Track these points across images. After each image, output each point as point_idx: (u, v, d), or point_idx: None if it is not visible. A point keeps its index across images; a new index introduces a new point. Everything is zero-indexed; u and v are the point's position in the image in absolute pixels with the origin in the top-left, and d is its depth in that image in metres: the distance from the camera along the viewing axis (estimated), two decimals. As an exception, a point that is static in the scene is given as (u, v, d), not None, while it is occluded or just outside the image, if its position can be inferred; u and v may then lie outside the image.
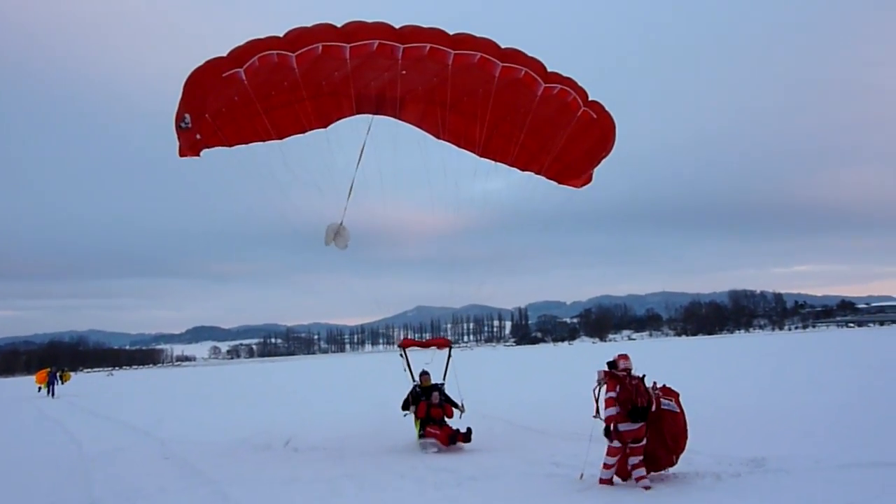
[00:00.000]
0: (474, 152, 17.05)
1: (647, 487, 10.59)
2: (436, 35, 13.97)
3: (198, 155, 14.95)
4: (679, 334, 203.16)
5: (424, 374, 16.47)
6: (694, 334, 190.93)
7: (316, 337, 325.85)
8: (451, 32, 14.11)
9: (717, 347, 78.18)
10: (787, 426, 15.81)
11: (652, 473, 10.99)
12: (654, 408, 10.93)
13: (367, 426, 19.92)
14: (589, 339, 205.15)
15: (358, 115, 16.65)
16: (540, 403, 21.32)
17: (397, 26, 13.92)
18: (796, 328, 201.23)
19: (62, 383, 50.17)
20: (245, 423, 23.44)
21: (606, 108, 15.81)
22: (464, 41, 14.07)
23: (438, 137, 17.02)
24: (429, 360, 16.55)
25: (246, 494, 11.80)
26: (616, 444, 10.83)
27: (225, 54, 13.73)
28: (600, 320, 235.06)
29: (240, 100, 14.37)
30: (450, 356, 16.66)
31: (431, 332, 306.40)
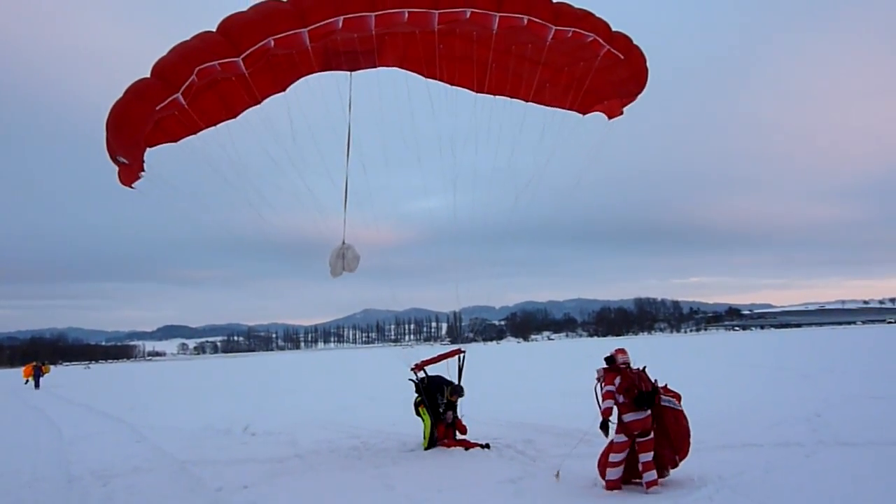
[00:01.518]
0: (471, 88, 13.61)
1: (652, 484, 9.02)
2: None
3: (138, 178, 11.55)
4: (591, 335, 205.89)
5: (455, 392, 13.71)
6: (604, 335, 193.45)
7: (274, 335, 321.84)
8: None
9: (626, 347, 79.45)
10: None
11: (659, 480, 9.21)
12: (657, 399, 9.48)
13: (317, 415, 19.97)
14: (514, 339, 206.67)
15: (324, 74, 12.69)
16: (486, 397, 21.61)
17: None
18: (691, 331, 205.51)
19: (43, 375, 49.04)
20: (208, 412, 23.24)
21: (634, 42, 12.62)
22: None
23: (427, 75, 13.33)
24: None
25: (208, 472, 11.79)
26: (622, 437, 9.23)
27: (150, 74, 10.29)
28: (524, 323, 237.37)
29: (180, 114, 10.81)
30: (462, 362, 14.44)
31: (377, 332, 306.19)
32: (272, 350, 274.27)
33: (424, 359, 14.19)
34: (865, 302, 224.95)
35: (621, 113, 14.22)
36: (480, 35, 11.72)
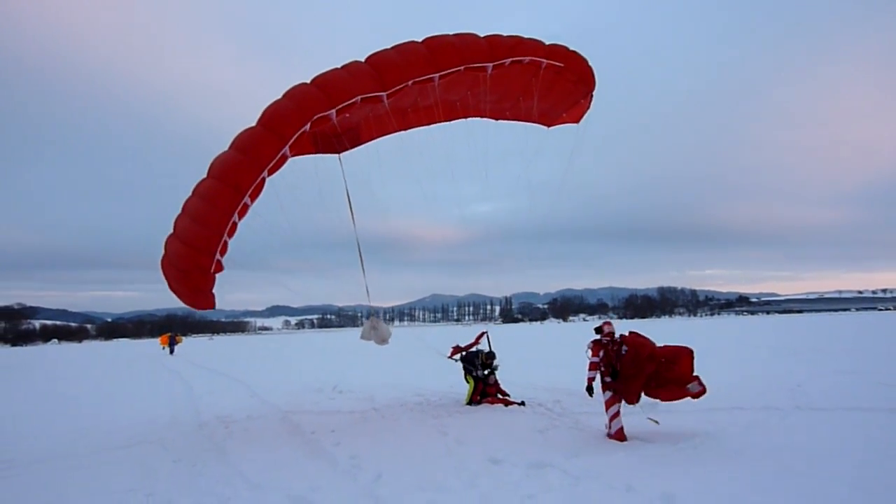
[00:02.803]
0: (435, 122, 12.83)
1: (614, 436, 9.40)
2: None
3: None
4: (621, 318, 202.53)
5: (489, 356, 14.05)
6: (631, 318, 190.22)
7: (359, 314, 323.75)
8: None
9: (648, 327, 78.27)
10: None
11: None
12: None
13: (390, 378, 20.56)
14: (555, 320, 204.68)
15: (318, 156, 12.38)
16: (527, 365, 21.86)
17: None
18: (706, 315, 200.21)
19: (177, 344, 50.73)
20: (305, 374, 24.07)
21: (571, 49, 11.97)
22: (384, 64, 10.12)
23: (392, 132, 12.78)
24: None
25: (305, 420, 12.44)
26: (609, 393, 9.67)
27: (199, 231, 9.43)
28: (564, 306, 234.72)
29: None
30: (488, 337, 14.94)
31: (442, 313, 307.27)
32: (357, 326, 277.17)
33: (457, 345, 14.68)
34: (860, 292, 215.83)
35: (588, 105, 13.21)
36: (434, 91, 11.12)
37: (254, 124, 9.87)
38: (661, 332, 59.83)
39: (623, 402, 9.68)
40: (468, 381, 14.00)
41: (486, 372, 13.98)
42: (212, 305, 10.27)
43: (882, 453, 7.95)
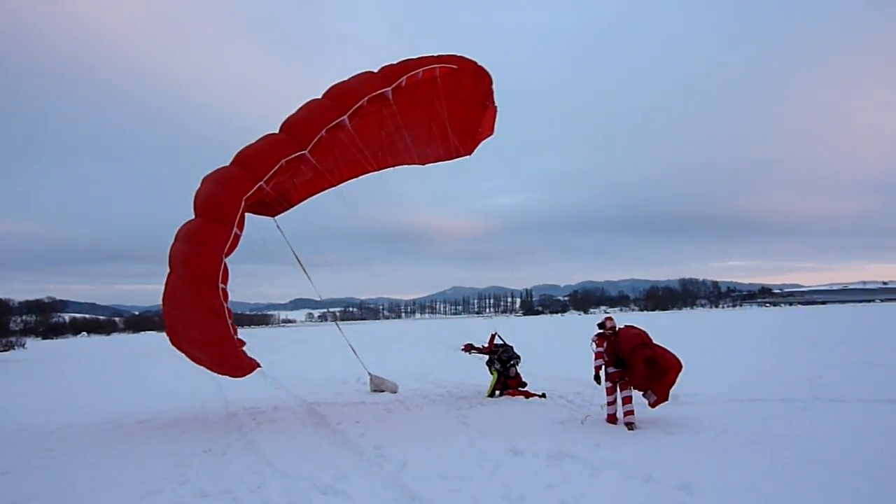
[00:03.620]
0: (367, 172, 13.52)
1: (630, 426, 9.78)
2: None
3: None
4: (642, 310, 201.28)
5: (506, 352, 14.21)
6: (652, 310, 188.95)
7: (381, 307, 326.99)
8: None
9: (669, 319, 77.86)
10: (698, 374, 16.35)
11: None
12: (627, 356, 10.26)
13: (413, 369, 20.78)
14: (576, 312, 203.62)
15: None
16: (548, 358, 21.95)
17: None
18: (728, 307, 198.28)
19: None
20: (329, 366, 24.43)
21: (459, 55, 12.27)
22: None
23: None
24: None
25: (330, 411, 12.64)
26: (608, 384, 10.40)
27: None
28: (584, 298, 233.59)
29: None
30: (499, 336, 14.87)
31: (463, 305, 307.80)
32: (379, 319, 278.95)
33: (468, 343, 14.91)
34: (885, 283, 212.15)
35: (495, 109, 13.18)
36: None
37: (192, 216, 10.66)
38: (682, 323, 59.58)
39: (625, 391, 10.26)
40: (492, 374, 14.17)
41: (508, 365, 14.11)
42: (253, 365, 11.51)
43: (902, 445, 7.95)
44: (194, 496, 7.04)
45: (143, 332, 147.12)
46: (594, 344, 10.70)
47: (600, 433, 9.48)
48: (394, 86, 11.16)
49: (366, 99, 10.91)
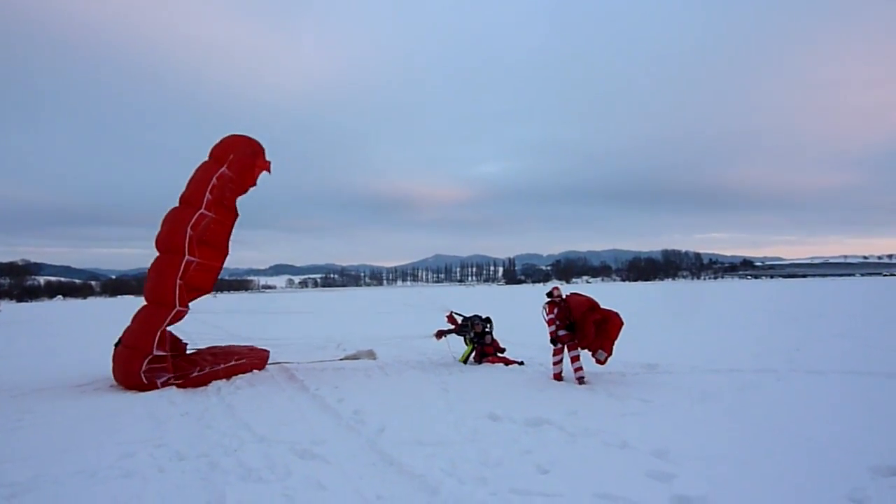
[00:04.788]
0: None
1: (581, 381, 11.07)
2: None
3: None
4: (624, 280, 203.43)
5: (477, 323, 14.48)
6: (635, 281, 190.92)
7: (362, 274, 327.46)
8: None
9: (650, 289, 78.74)
10: (677, 344, 16.61)
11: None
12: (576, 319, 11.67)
13: (394, 335, 20.85)
14: (558, 282, 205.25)
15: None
16: (528, 326, 22.11)
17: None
18: (709, 278, 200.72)
19: None
20: (309, 332, 24.43)
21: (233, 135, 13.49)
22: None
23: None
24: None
25: (306, 375, 12.71)
26: (559, 345, 11.65)
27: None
28: (567, 268, 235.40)
29: None
30: (456, 315, 15.28)
31: (446, 273, 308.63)
32: (360, 286, 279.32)
33: (439, 329, 15.06)
34: (865, 257, 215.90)
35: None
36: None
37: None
38: (663, 294, 60.37)
39: (573, 352, 11.55)
40: (466, 343, 14.39)
41: (484, 333, 14.36)
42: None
43: (881, 416, 8.14)
44: (170, 459, 7.06)
45: (120, 297, 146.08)
46: (545, 311, 11.85)
47: (578, 401, 9.61)
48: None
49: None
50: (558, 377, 11.51)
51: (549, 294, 12.05)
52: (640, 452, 6.72)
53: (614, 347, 11.51)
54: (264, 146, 13.57)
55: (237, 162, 13.10)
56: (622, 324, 11.49)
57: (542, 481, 6.02)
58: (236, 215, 14.05)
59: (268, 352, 14.66)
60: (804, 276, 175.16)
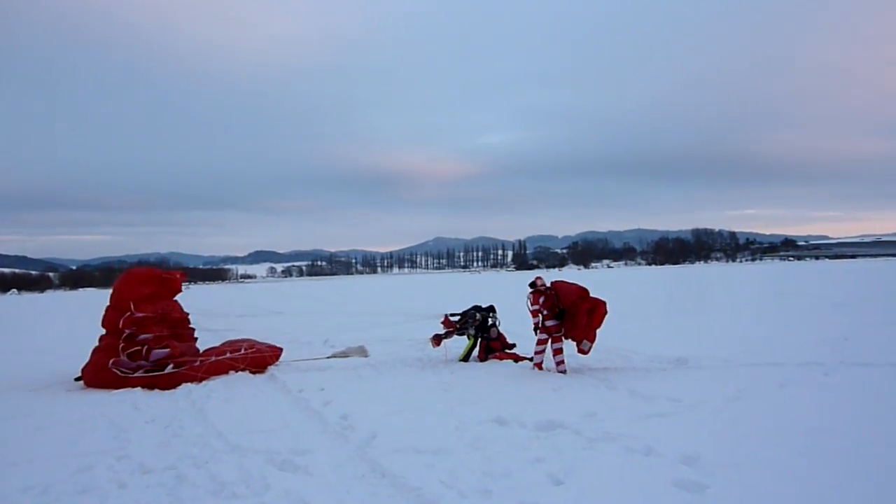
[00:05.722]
0: None
1: (563, 371, 11.99)
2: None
3: None
4: (650, 264, 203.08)
5: (476, 315, 14.40)
6: (662, 264, 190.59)
7: (354, 261, 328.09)
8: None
9: (681, 275, 78.70)
10: (709, 335, 16.55)
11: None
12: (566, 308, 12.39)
13: (388, 330, 20.85)
14: (575, 267, 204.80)
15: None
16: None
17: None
18: (746, 260, 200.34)
19: None
20: (294, 326, 24.43)
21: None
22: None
23: None
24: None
25: (291, 377, 12.68)
26: (543, 336, 12.39)
27: None
28: (585, 251, 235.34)
29: None
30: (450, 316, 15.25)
31: (447, 258, 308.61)
32: (352, 274, 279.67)
33: (436, 334, 14.70)
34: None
35: None
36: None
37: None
38: (694, 278, 60.22)
39: (557, 343, 12.34)
40: (468, 338, 14.32)
41: (488, 326, 14.37)
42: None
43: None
44: (132, 473, 7.02)
45: (81, 290, 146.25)
46: (529, 302, 12.60)
47: (598, 401, 9.56)
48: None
49: None
50: (539, 367, 12.38)
51: (532, 284, 12.72)
52: (668, 459, 6.67)
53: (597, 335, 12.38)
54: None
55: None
56: (606, 312, 12.33)
57: (555, 494, 5.98)
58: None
59: (282, 348, 14.97)
60: (853, 256, 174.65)
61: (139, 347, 12.72)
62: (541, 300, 12.43)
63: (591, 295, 12.43)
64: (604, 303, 12.28)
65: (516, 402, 9.64)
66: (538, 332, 12.48)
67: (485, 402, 9.72)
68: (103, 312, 13.41)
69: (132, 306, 12.99)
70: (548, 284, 12.70)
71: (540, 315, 12.40)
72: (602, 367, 12.40)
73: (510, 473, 6.52)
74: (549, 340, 12.40)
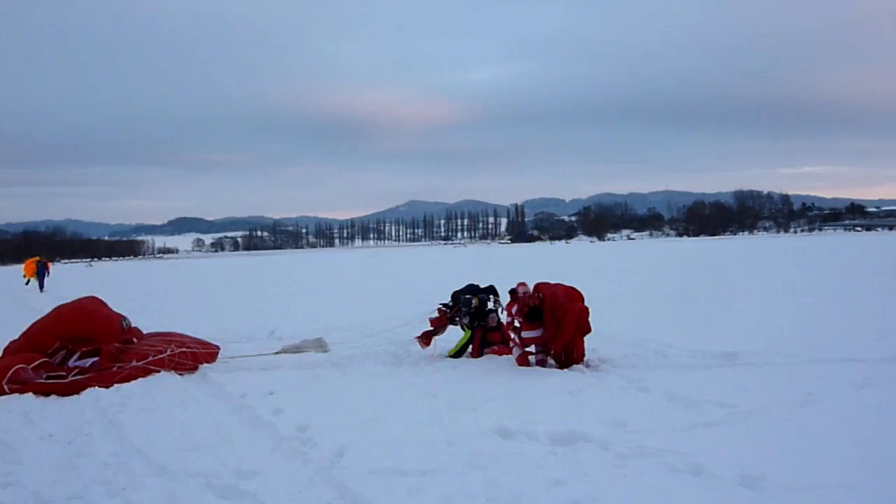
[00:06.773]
0: None
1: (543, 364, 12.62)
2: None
3: None
4: (681, 234, 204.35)
5: (470, 299, 14.24)
6: (696, 235, 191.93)
7: (304, 231, 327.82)
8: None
9: (722, 248, 79.20)
10: (765, 325, 16.61)
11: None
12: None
13: (353, 319, 20.76)
14: (587, 238, 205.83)
15: None
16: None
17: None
18: (802, 231, 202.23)
19: (48, 275, 48.34)
20: (228, 315, 24.30)
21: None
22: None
23: None
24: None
25: (230, 379, 12.55)
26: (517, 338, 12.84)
27: None
28: (599, 219, 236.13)
29: None
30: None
31: (424, 227, 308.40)
32: (302, 247, 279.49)
33: (425, 331, 14.64)
34: None
35: None
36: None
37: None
38: (738, 253, 60.44)
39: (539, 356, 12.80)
40: (464, 331, 14.24)
41: (486, 313, 14.19)
42: None
43: None
44: None
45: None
46: (504, 314, 13.35)
47: (628, 407, 9.53)
48: None
49: None
50: (524, 360, 12.76)
51: (513, 291, 13.33)
52: (722, 480, 6.65)
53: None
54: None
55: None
56: (582, 311, 12.59)
57: (579, 526, 5.93)
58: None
59: (218, 347, 15.22)
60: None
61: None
62: (513, 309, 12.88)
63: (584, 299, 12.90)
64: (579, 304, 12.64)
65: (524, 408, 9.60)
66: (519, 329, 12.88)
67: (483, 408, 9.68)
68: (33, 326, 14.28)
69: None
70: (529, 291, 13.09)
71: (514, 332, 12.90)
72: (629, 363, 12.35)
73: (521, 499, 6.47)
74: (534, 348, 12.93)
